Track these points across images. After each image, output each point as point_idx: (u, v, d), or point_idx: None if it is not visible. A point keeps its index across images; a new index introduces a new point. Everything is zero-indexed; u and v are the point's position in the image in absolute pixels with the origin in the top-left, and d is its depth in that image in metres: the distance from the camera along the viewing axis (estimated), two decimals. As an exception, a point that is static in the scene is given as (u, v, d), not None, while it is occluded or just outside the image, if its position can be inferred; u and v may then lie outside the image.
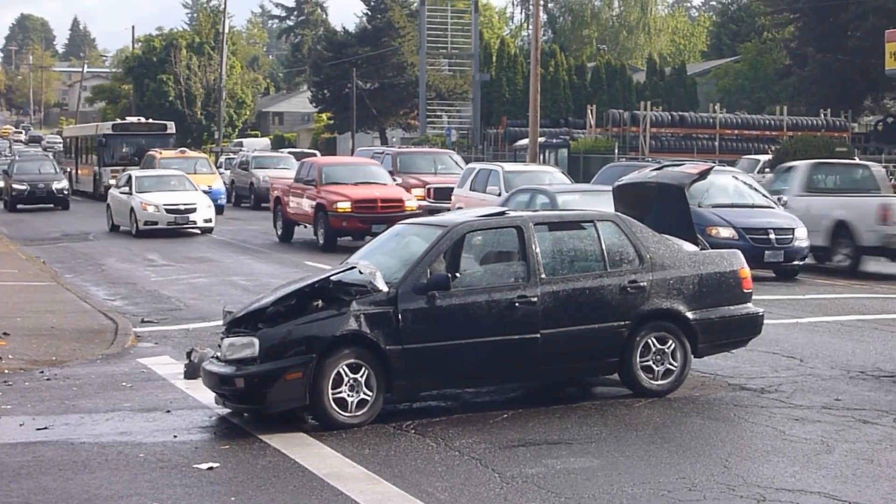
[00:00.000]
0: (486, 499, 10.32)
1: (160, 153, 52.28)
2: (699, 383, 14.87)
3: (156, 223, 38.89)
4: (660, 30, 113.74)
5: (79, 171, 67.05)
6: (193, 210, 39.34)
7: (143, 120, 66.44)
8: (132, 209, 39.48)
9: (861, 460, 11.34)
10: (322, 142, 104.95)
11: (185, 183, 41.62)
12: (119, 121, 67.07)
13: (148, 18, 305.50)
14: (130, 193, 40.06)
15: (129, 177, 41.58)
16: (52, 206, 53.45)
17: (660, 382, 14.22)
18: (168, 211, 39.04)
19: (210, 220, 39.64)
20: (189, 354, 15.74)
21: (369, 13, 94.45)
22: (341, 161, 39.83)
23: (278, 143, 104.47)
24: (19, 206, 53.12)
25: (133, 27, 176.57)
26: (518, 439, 12.29)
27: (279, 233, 37.42)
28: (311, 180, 35.15)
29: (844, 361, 16.35)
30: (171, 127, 63.61)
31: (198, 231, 39.46)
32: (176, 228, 39.10)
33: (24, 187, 53.49)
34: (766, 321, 15.49)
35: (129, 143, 60.53)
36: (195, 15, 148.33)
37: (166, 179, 41.88)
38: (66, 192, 54.31)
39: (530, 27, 66.81)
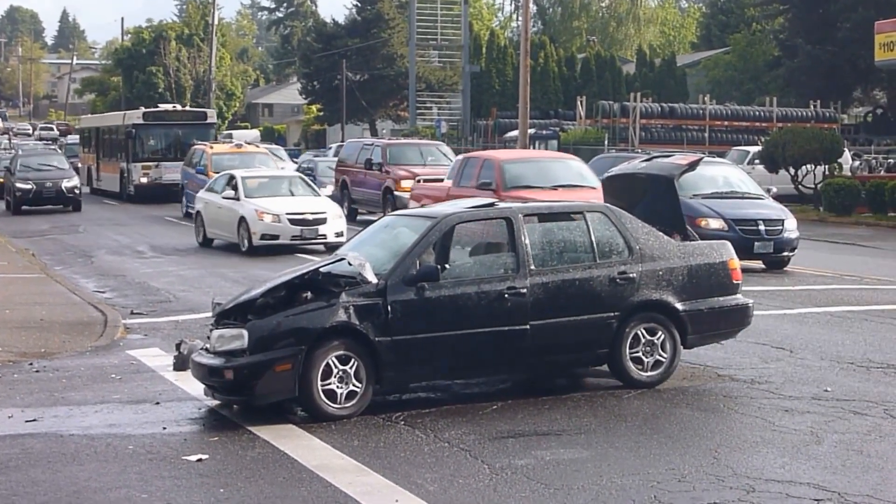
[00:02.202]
0: (475, 490, 10.32)
1: (210, 147, 43.57)
2: (689, 374, 14.88)
3: (276, 237, 30.61)
4: (649, 21, 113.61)
5: (100, 168, 58.15)
6: (323, 221, 30.83)
7: (178, 107, 58.14)
8: (242, 219, 30.91)
9: (850, 451, 11.36)
10: (311, 133, 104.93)
11: (298, 185, 33.36)
12: (150, 108, 58.09)
13: (137, 10, 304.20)
14: (238, 199, 31.55)
15: (233, 177, 32.86)
16: (61, 206, 46.84)
17: (649, 374, 14.22)
18: (292, 222, 30.55)
19: (341, 234, 30.39)
20: (178, 346, 15.73)
21: (359, 4, 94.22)
22: (529, 156, 30.55)
23: (268, 135, 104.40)
24: (24, 209, 46.80)
25: (122, 19, 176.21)
26: (507, 430, 12.29)
27: None
28: (488, 184, 27.22)
29: (834, 352, 16.36)
30: (212, 115, 55.81)
31: (322, 248, 30.64)
32: (301, 244, 30.96)
33: (29, 186, 46.56)
34: (755, 312, 15.52)
35: (163, 135, 52.60)
36: (185, 6, 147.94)
37: (278, 181, 33.73)
38: (77, 192, 47.25)
39: (520, 18, 66.77)
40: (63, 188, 46.83)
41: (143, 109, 56.69)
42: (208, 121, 54.02)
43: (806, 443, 11.65)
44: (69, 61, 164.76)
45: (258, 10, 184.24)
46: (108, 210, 48.55)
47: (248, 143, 48.29)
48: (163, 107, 57.66)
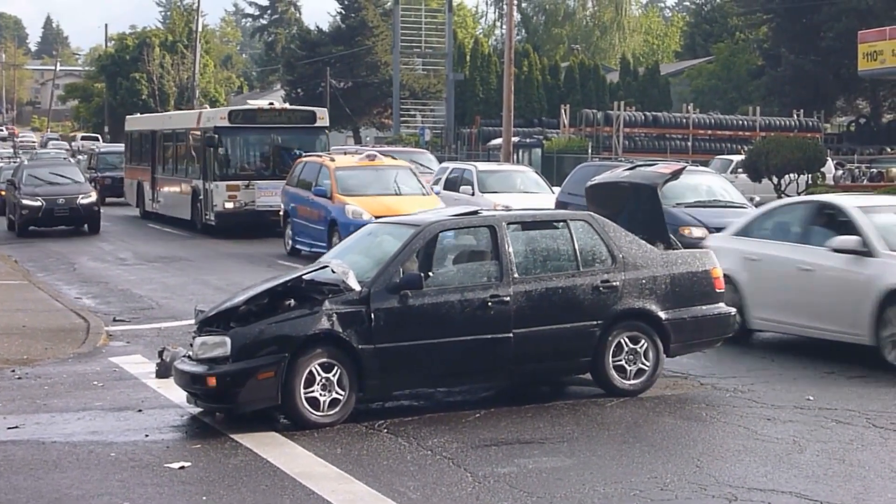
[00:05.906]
0: (458, 498, 10.31)
1: (332, 160, 31.36)
2: (671, 383, 14.89)
3: None
4: (633, 30, 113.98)
5: (158, 186, 44.35)
6: None
7: (276, 105, 41.62)
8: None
9: (833, 460, 11.37)
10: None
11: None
12: (239, 106, 44.35)
13: (121, 16, 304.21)
14: None
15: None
16: (73, 227, 39.38)
17: (632, 382, 14.23)
18: None
19: None
20: (161, 353, 15.69)
21: (343, 12, 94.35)
22: None
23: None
24: (32, 229, 39.08)
25: (106, 25, 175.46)
26: (490, 438, 12.28)
27: None
28: None
29: (816, 361, 16.38)
30: (324, 116, 39.60)
31: None
32: None
33: (37, 203, 38.38)
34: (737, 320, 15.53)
35: (256, 143, 38.46)
36: (169, 13, 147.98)
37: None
38: (95, 209, 39.30)
39: (503, 26, 66.81)
40: (79, 205, 38.80)
41: (227, 108, 44.51)
42: (317, 124, 38.96)
43: (788, 451, 11.67)
44: (52, 67, 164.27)
45: (242, 16, 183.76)
46: (181, 244, 35.32)
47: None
48: (254, 104, 41.29)
